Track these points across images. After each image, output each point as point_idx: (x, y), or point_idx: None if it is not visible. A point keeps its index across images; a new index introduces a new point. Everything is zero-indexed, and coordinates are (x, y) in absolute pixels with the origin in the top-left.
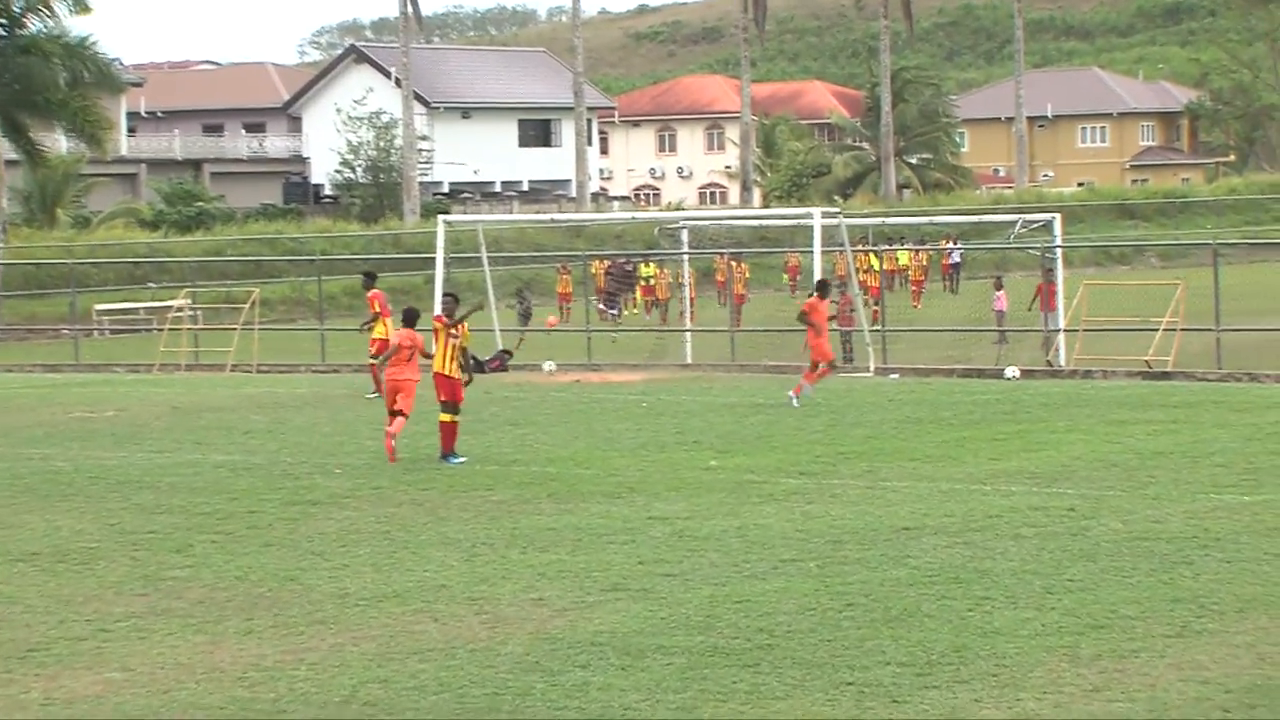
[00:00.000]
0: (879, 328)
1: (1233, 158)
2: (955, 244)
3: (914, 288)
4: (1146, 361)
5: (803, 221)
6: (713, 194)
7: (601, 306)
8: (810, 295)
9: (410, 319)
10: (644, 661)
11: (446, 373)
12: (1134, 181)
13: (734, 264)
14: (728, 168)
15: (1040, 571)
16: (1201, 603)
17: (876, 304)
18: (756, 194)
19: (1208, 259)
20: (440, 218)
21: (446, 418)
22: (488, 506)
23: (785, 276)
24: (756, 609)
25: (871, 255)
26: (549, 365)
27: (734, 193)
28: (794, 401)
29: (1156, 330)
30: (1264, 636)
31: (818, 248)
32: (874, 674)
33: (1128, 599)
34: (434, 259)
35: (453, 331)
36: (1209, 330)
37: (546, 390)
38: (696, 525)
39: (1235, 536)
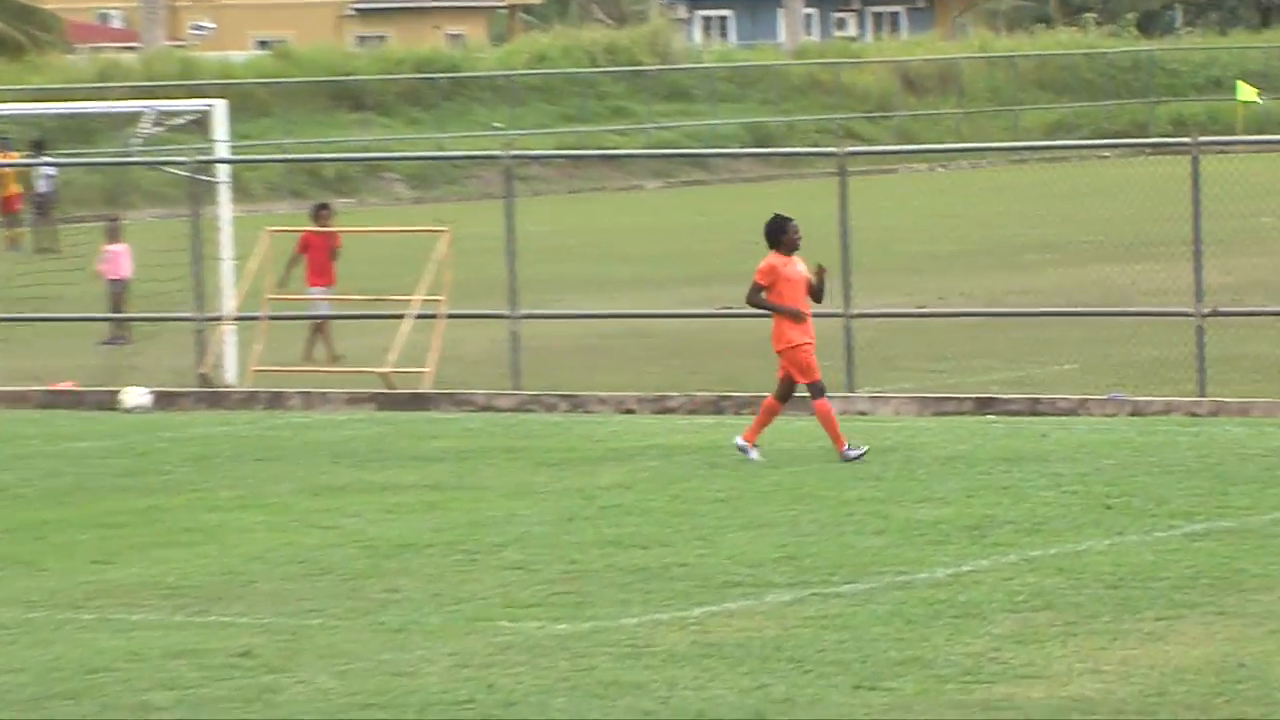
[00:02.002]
0: None
1: None
2: (39, 158)
3: None
4: (384, 375)
5: None
6: None
7: None
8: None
9: None
10: None
11: None
12: (362, 40)
13: None
14: None
15: None
16: None
17: None
18: None
19: (495, 185)
20: None
21: None
22: None
23: None
24: None
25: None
26: None
27: None
28: (750, 453)
29: (399, 317)
30: None
31: None
32: None
33: None
34: None
35: None
36: (501, 317)
37: None
38: None
39: (528, 697)
